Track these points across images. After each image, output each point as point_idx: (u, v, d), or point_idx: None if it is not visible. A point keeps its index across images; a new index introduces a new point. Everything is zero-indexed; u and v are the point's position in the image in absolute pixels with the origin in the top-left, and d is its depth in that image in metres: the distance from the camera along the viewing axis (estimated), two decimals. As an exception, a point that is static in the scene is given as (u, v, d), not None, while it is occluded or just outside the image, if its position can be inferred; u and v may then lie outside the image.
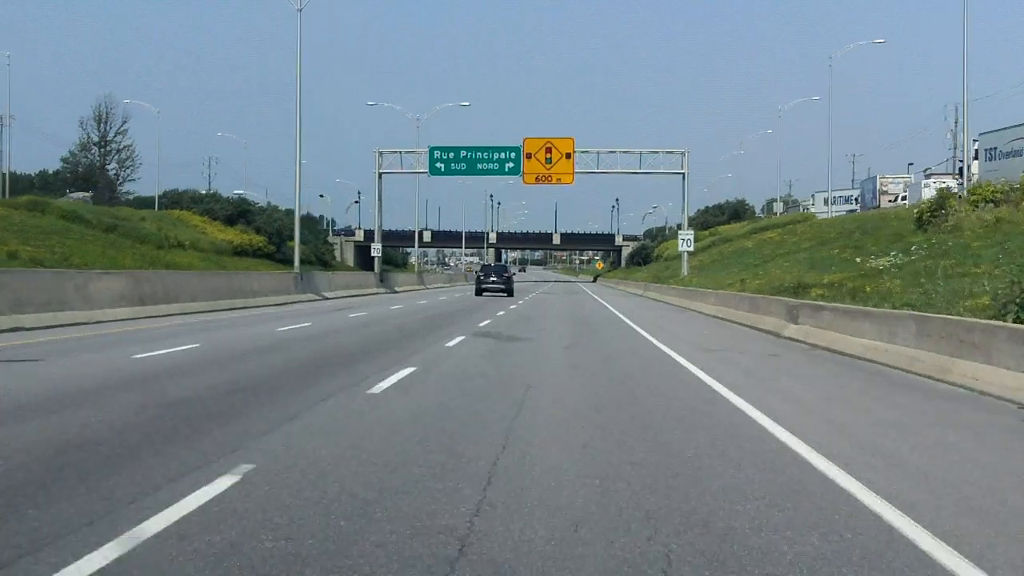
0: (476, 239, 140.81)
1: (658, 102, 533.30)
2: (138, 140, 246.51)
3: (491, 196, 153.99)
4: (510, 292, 50.49)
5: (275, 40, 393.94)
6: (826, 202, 75.86)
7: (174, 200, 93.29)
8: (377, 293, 57.62)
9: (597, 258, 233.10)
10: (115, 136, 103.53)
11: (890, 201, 72.03)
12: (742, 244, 65.47)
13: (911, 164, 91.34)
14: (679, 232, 55.03)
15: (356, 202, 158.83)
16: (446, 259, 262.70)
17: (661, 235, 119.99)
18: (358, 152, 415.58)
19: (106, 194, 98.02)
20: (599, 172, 60.12)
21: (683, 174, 58.78)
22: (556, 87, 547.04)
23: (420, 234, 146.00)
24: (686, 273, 56.16)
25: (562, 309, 37.64)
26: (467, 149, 58.56)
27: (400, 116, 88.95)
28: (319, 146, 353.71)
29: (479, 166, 58.28)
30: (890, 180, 78.67)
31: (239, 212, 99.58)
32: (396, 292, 62.89)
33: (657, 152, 59.56)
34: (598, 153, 60.30)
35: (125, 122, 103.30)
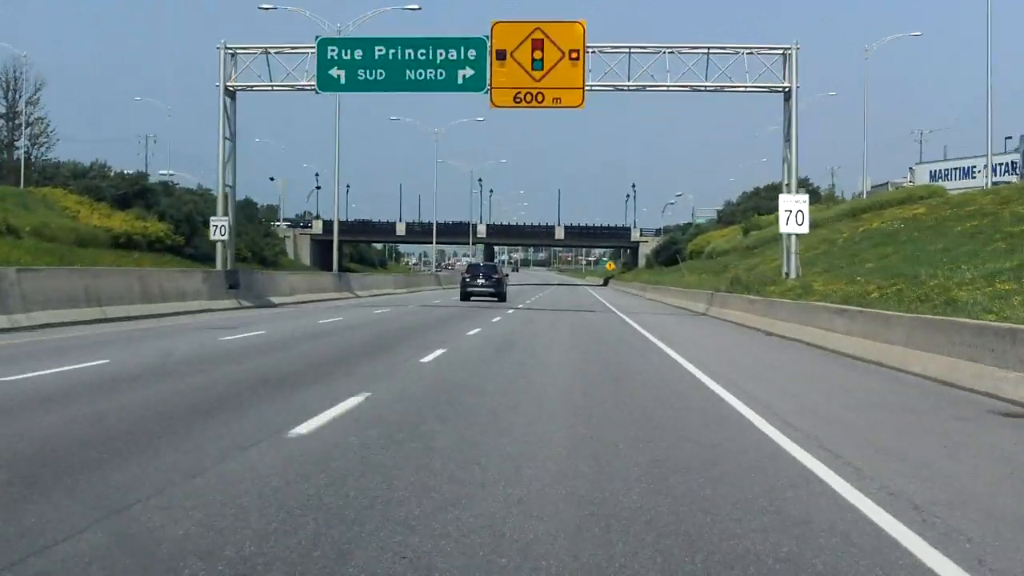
0: (460, 232, 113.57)
1: None
2: (61, 111, 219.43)
3: (480, 181, 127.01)
4: (501, 296, 44.59)
5: None
6: (983, 172, 49.08)
7: (48, 176, 76.76)
8: (336, 299, 46.39)
9: (606, 258, 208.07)
10: (26, 107, 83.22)
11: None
12: (867, 226, 39.56)
13: (1008, 138, 73.60)
14: (782, 199, 28.03)
15: (318, 188, 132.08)
16: (448, 259, 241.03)
17: (696, 228, 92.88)
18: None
19: (11, 176, 78.98)
20: (631, 87, 32.74)
21: (786, 90, 32.07)
22: None
23: (395, 225, 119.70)
24: (794, 274, 29.56)
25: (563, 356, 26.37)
26: (388, 43, 31.64)
27: (315, 27, 54.06)
28: (278, 125, 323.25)
29: (410, 75, 31.28)
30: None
31: (136, 192, 79.97)
32: (360, 296, 50.71)
33: (738, 52, 32.61)
34: (629, 52, 32.89)
35: (39, 90, 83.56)
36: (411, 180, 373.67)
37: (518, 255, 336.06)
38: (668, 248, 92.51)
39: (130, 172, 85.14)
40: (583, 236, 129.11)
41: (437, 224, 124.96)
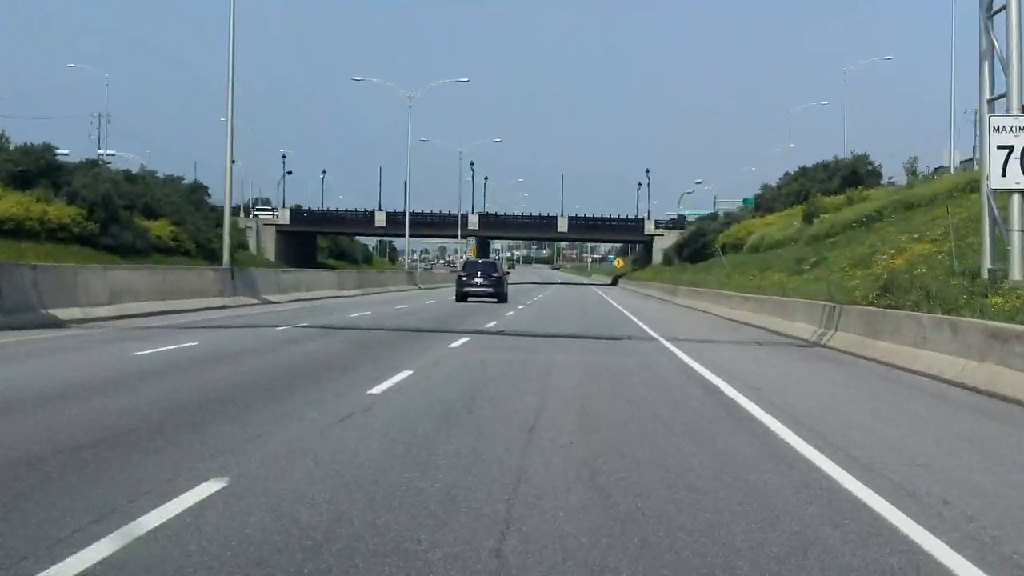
0: (448, 224, 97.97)
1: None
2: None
3: (472, 165, 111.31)
4: (501, 297, 41.10)
5: None
6: None
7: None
8: (218, 308, 31.05)
9: (613, 255, 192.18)
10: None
11: None
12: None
13: None
14: (991, 123, 11.06)
15: (288, 173, 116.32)
16: (448, 255, 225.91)
17: (727, 217, 76.77)
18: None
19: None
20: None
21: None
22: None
23: (374, 215, 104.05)
24: (1019, 271, 12.79)
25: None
26: None
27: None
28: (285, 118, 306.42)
29: None
30: None
31: (42, 169, 67.41)
32: (271, 303, 36.62)
33: None
34: None
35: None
36: (396, 164, 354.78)
37: (520, 252, 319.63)
38: (695, 241, 76.53)
39: (35, 144, 69.62)
40: (589, 228, 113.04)
41: (421, 215, 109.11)
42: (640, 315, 33.74)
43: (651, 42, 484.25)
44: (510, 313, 32.85)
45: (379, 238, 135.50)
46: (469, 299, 40.55)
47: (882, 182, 65.29)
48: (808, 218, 47.67)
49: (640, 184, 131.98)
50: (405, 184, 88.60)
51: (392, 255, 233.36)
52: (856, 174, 67.02)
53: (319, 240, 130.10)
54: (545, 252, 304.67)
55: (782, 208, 70.18)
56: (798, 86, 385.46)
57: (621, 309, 39.11)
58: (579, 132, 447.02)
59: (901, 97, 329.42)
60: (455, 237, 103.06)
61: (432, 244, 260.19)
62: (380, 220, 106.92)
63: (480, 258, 73.93)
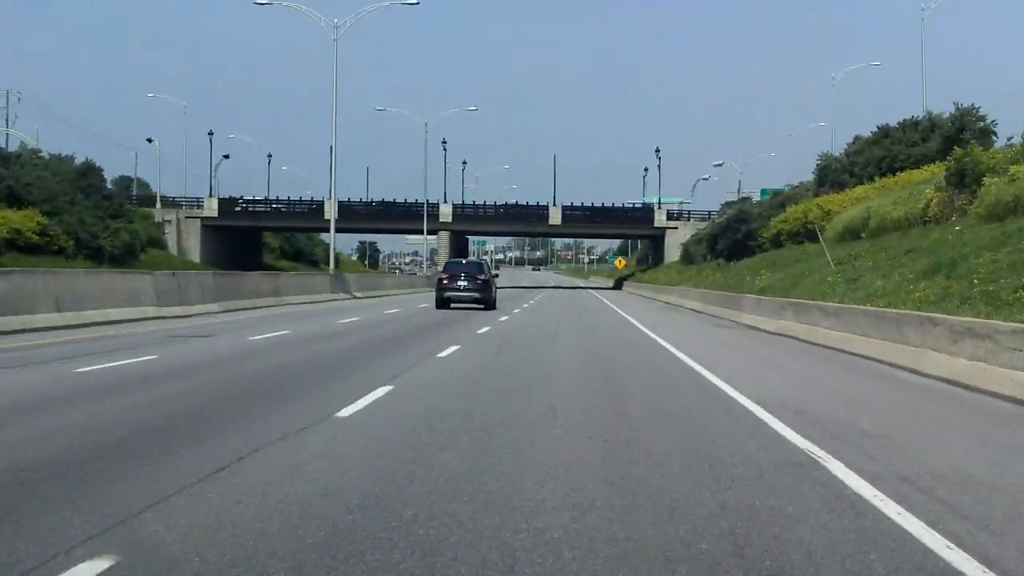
0: (414, 216, 79.72)
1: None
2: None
3: (444, 144, 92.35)
4: (489, 303, 37.24)
5: None
6: None
7: None
8: None
9: (613, 254, 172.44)
10: None
11: None
12: None
13: None
14: None
15: (225, 157, 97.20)
16: (434, 256, 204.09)
17: (783, 197, 56.89)
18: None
19: None
20: None
21: None
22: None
23: (323, 206, 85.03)
24: None
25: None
26: None
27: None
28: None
29: None
30: None
31: None
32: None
33: None
34: None
35: None
36: (360, 148, 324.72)
37: (513, 254, 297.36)
38: (734, 229, 56.41)
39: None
40: (587, 221, 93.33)
41: (381, 205, 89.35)
42: (717, 371, 14.54)
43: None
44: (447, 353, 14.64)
45: (328, 234, 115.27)
46: (452, 306, 36.67)
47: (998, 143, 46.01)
48: (959, 181, 28.52)
49: (646, 169, 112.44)
50: (367, 171, 69.12)
51: (374, 257, 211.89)
52: (961, 133, 47.66)
53: (270, 239, 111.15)
54: (539, 253, 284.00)
55: (856, 182, 50.96)
56: (836, 47, 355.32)
57: (669, 348, 19.87)
58: (575, 114, 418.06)
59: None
60: (420, 232, 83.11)
61: (433, 239, 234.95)
62: (328, 212, 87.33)
63: (465, 259, 60.53)
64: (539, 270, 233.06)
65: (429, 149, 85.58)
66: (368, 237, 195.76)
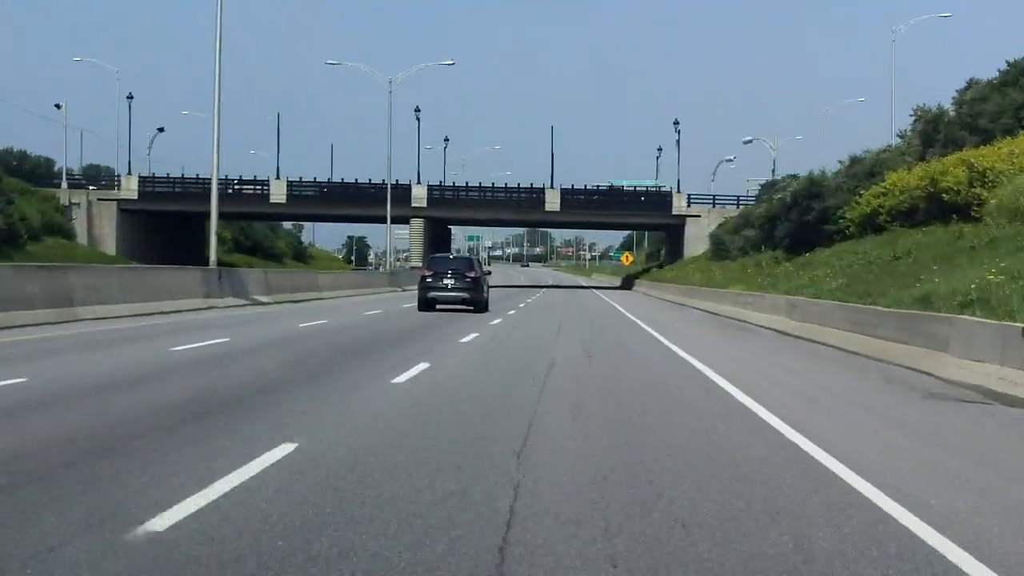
0: (379, 200, 63.89)
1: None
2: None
3: (417, 111, 76.60)
4: (479, 305, 34.49)
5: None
6: None
7: None
8: None
9: (617, 249, 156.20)
10: None
11: None
12: None
13: None
14: None
15: (160, 130, 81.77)
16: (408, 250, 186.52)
17: (881, 163, 40.16)
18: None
19: None
20: None
21: None
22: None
23: (269, 185, 69.56)
24: None
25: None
26: None
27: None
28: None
29: None
30: None
31: None
32: None
33: None
34: None
35: None
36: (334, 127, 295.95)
37: (511, 250, 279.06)
38: (802, 208, 39.54)
39: None
40: (591, 206, 77.59)
41: (339, 187, 73.44)
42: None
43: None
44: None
45: (273, 221, 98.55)
46: (437, 307, 34.14)
47: None
48: None
49: (660, 149, 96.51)
50: (332, 148, 53.69)
51: (353, 253, 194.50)
52: None
53: (224, 231, 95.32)
54: (539, 250, 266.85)
55: (979, 140, 35.37)
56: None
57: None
58: (576, 88, 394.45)
59: None
60: (383, 221, 66.87)
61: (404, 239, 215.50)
62: (278, 193, 71.35)
63: (453, 254, 57.66)
64: (528, 266, 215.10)
65: (405, 123, 69.56)
66: (358, 232, 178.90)
